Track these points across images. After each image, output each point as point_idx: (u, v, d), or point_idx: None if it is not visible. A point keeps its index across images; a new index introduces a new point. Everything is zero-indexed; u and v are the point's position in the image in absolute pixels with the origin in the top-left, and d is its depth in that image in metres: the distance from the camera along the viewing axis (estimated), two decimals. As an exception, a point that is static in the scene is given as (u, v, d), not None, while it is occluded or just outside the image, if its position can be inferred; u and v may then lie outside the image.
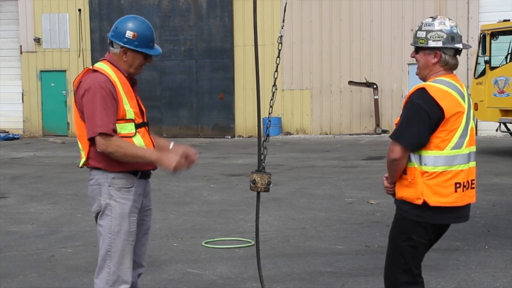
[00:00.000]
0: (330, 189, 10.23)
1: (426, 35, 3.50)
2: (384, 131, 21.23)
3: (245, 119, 22.61)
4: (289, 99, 22.27)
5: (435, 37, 3.49)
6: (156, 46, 3.79)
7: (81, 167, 3.80)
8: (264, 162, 4.36)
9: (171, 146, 3.92)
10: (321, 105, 22.12)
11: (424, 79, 3.60)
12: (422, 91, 3.45)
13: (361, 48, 21.63)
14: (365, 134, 21.29)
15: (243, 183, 10.68)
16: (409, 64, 21.30)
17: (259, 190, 4.32)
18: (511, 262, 5.89)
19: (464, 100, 3.51)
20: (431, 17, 3.58)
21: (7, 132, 23.60)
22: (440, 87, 3.46)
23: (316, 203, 9.01)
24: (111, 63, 3.72)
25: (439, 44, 3.48)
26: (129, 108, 3.67)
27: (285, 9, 5.14)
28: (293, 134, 22.16)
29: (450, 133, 3.44)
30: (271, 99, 4.46)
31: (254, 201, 4.96)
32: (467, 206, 3.61)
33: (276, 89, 4.46)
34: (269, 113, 4.50)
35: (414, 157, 3.47)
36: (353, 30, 21.68)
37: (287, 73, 22.08)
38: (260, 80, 4.36)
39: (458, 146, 3.46)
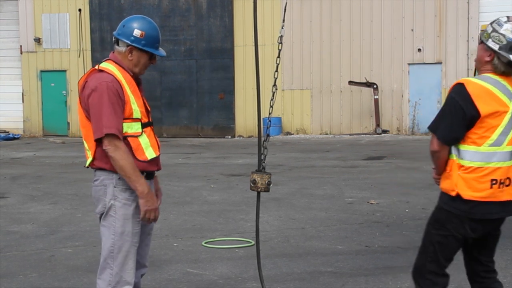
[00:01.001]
0: (330, 189, 10.23)
1: (491, 32, 3.48)
2: (384, 131, 21.23)
3: (245, 119, 22.61)
4: (289, 99, 22.27)
5: (496, 39, 3.46)
6: (162, 50, 3.80)
7: (87, 167, 3.78)
8: (264, 162, 4.35)
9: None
10: (321, 105, 22.13)
11: (478, 71, 3.61)
12: (460, 87, 3.47)
13: (361, 48, 21.63)
14: (365, 134, 21.30)
15: (243, 183, 10.68)
16: (409, 64, 21.31)
17: (259, 190, 4.31)
18: (511, 262, 5.88)
19: (510, 99, 3.48)
20: (507, 17, 3.53)
21: (7, 132, 23.61)
22: (481, 84, 3.46)
23: (316, 203, 9.01)
24: (116, 62, 3.71)
25: (496, 47, 3.46)
26: (136, 107, 3.66)
27: (285, 9, 5.14)
28: (293, 134, 22.16)
29: (488, 130, 3.44)
30: (271, 99, 4.46)
31: (254, 201, 4.96)
32: (510, 201, 3.58)
33: (276, 89, 4.45)
34: (269, 113, 4.49)
35: (454, 150, 3.51)
36: (353, 30, 21.68)
37: (287, 73, 22.09)
38: (260, 80, 4.35)
39: (497, 143, 3.46)
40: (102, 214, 3.72)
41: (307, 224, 7.64)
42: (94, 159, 3.68)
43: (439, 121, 3.53)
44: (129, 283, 3.70)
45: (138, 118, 3.66)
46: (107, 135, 3.52)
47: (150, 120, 3.81)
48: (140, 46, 3.68)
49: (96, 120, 3.56)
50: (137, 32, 3.67)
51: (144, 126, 3.70)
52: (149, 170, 3.75)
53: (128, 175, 3.55)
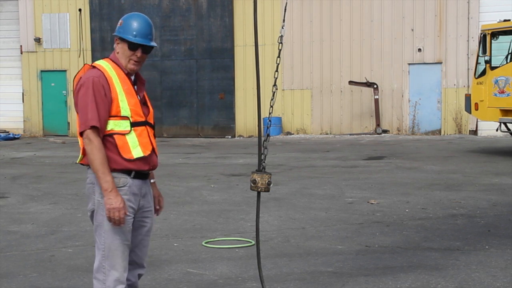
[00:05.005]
0: (330, 189, 10.22)
1: None
2: (385, 131, 21.23)
3: (245, 119, 22.61)
4: (290, 99, 22.27)
5: None
6: (144, 39, 3.71)
7: (78, 163, 3.82)
8: (264, 162, 4.35)
9: (152, 181, 3.95)
10: (322, 105, 22.12)
11: None
12: None
13: (361, 48, 21.63)
14: (366, 134, 21.30)
15: (243, 183, 10.68)
16: (409, 64, 21.31)
17: (259, 190, 4.31)
18: (511, 262, 5.88)
19: None
20: None
21: (8, 132, 23.61)
22: None
23: (316, 203, 9.01)
24: (112, 60, 3.74)
25: None
26: (125, 105, 3.65)
27: (285, 9, 5.14)
28: (293, 134, 22.16)
29: None
30: (272, 99, 4.46)
31: (254, 201, 4.95)
32: None
33: (277, 89, 4.45)
34: (270, 113, 4.49)
35: None
36: (353, 30, 21.68)
37: (287, 73, 22.09)
38: (260, 80, 4.35)
39: None
40: (92, 212, 3.76)
41: (307, 224, 7.64)
42: (84, 155, 3.72)
43: None
44: (122, 282, 3.69)
45: (126, 116, 3.65)
46: (91, 127, 3.56)
47: (149, 121, 3.78)
48: (116, 34, 3.72)
49: (80, 114, 3.61)
50: (119, 22, 3.74)
51: (136, 125, 3.68)
52: (137, 169, 3.71)
53: (95, 170, 3.58)
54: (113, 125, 3.63)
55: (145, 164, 3.73)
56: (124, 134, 3.65)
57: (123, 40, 3.70)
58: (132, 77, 3.79)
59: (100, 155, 3.56)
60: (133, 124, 3.67)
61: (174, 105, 23.04)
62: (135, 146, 3.67)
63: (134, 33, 3.69)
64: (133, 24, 3.70)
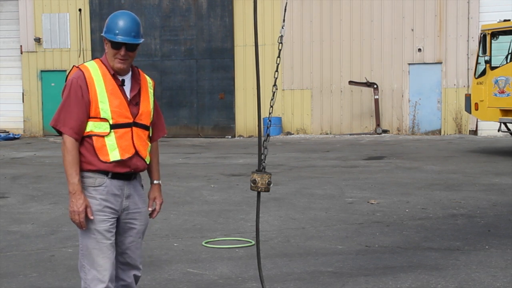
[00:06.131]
0: (330, 189, 10.23)
1: None
2: (385, 131, 21.23)
3: (245, 119, 22.62)
4: (290, 99, 22.27)
5: None
6: (126, 37, 3.62)
7: None
8: (264, 162, 4.35)
9: (155, 182, 3.92)
10: (322, 105, 22.13)
11: None
12: None
13: (361, 48, 21.64)
14: (366, 134, 21.30)
15: (243, 183, 10.68)
16: (409, 64, 21.31)
17: (259, 190, 4.31)
18: (511, 262, 5.89)
19: None
20: None
21: (8, 132, 23.62)
22: None
23: (316, 203, 9.01)
24: (101, 61, 3.71)
25: None
26: (105, 107, 3.60)
27: (285, 9, 5.14)
28: (293, 134, 22.17)
29: None
30: (272, 99, 4.46)
31: (254, 201, 4.95)
32: None
33: (277, 89, 4.45)
34: (270, 113, 4.49)
35: None
36: (353, 30, 21.69)
37: (287, 73, 22.09)
38: (260, 80, 4.34)
39: None
40: None
41: (307, 224, 7.64)
42: None
43: None
44: (102, 281, 3.63)
45: (105, 118, 3.60)
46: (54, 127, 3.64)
47: (139, 122, 3.70)
48: (102, 34, 3.69)
49: None
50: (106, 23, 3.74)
51: (117, 126, 3.62)
52: (113, 171, 3.65)
53: (65, 171, 3.64)
54: (92, 127, 3.60)
55: (124, 166, 3.67)
56: (103, 136, 3.61)
57: (108, 39, 3.67)
58: (126, 77, 3.72)
59: (69, 157, 3.60)
60: (114, 126, 3.62)
61: (174, 105, 23.04)
62: (113, 149, 3.63)
63: (117, 31, 3.63)
64: (115, 23, 3.65)
